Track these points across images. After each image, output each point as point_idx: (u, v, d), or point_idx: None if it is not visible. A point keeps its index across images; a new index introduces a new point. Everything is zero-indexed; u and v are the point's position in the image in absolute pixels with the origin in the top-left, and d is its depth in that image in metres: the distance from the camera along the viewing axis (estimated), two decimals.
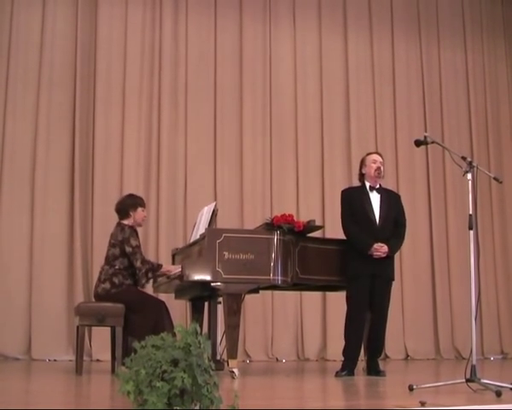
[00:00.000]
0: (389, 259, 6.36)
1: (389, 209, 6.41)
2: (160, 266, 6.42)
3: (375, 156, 6.54)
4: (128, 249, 6.22)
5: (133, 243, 6.24)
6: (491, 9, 11.22)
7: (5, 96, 8.93)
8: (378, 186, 6.47)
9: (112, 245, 6.33)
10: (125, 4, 9.49)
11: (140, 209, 6.47)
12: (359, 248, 6.29)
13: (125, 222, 6.39)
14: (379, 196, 6.43)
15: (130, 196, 6.64)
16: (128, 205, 6.44)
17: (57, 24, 9.24)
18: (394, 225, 6.43)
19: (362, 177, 6.54)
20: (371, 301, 6.31)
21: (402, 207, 6.59)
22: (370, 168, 6.44)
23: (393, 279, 6.53)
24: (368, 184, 6.47)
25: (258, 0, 10.05)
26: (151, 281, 6.72)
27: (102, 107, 9.20)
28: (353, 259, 6.33)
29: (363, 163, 6.56)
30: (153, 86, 9.47)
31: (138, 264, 6.19)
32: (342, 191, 6.70)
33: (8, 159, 8.83)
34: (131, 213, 6.41)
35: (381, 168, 6.44)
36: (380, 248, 6.23)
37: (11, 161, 8.84)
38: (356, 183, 6.83)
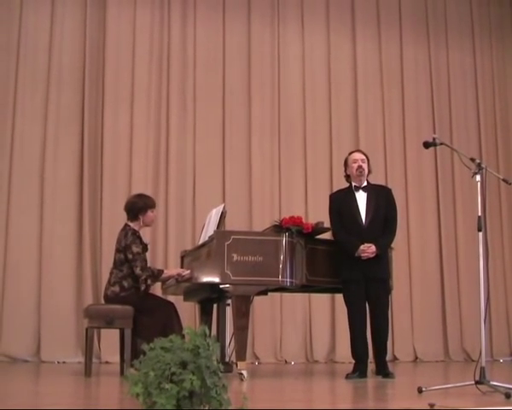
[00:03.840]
0: (381, 259, 6.28)
1: (377, 207, 6.33)
2: (160, 272, 6.37)
3: (356, 155, 6.48)
4: (129, 256, 6.19)
5: (134, 249, 6.21)
6: (499, 11, 11.19)
7: (14, 97, 8.98)
8: (365, 184, 6.42)
9: (117, 250, 6.31)
10: (134, 6, 9.52)
11: (149, 211, 6.43)
12: (347, 251, 6.26)
13: (132, 225, 6.36)
14: (365, 194, 6.37)
15: (141, 196, 6.56)
16: (138, 209, 6.38)
17: (66, 25, 9.29)
18: (385, 221, 6.37)
19: (348, 178, 6.51)
20: (368, 302, 6.30)
21: (392, 200, 6.51)
22: (352, 168, 6.42)
23: (388, 278, 6.46)
24: (353, 185, 6.44)
25: (267, 2, 10.06)
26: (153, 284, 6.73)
27: (111, 108, 9.24)
28: (345, 263, 6.30)
29: (346, 164, 6.52)
30: (161, 87, 9.49)
31: (138, 271, 6.16)
32: (330, 196, 6.70)
33: (18, 160, 8.87)
34: (140, 217, 6.39)
35: (363, 166, 6.38)
36: (367, 249, 6.18)
37: (20, 162, 8.88)
38: None
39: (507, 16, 11.24)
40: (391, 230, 6.41)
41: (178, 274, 6.35)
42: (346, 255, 6.26)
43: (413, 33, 10.67)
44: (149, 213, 6.43)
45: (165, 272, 6.47)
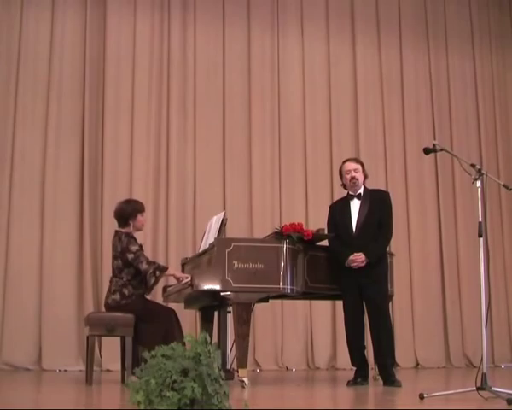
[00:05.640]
0: (374, 266, 6.21)
1: (369, 214, 6.25)
2: (165, 268, 6.35)
3: (349, 165, 6.40)
4: (130, 256, 6.16)
5: (133, 248, 6.18)
6: (499, 17, 11.22)
7: (15, 106, 8.99)
8: (360, 192, 6.36)
9: (114, 257, 6.27)
10: (134, 14, 9.54)
11: (139, 216, 6.41)
12: (339, 260, 6.25)
13: (123, 230, 6.35)
14: (359, 202, 6.33)
15: (129, 202, 6.54)
16: (127, 214, 6.35)
17: (66, 34, 9.30)
18: (378, 227, 6.28)
19: (344, 186, 6.47)
20: (366, 307, 6.27)
21: (387, 204, 6.40)
22: (346, 179, 6.38)
23: (384, 281, 6.40)
24: (349, 193, 6.41)
25: (267, 9, 10.08)
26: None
27: (111, 116, 9.24)
28: (341, 272, 6.27)
29: (340, 173, 6.49)
30: (161, 95, 9.51)
31: (144, 266, 6.12)
32: (329, 206, 6.68)
33: (18, 168, 8.88)
34: (131, 222, 6.37)
35: (356, 176, 6.32)
36: (356, 258, 6.14)
37: (21, 170, 8.89)
38: None
39: (506, 22, 11.26)
40: (383, 235, 6.31)
41: (180, 278, 6.32)
42: (340, 265, 6.26)
43: (413, 39, 10.69)
44: (139, 218, 6.40)
45: (169, 270, 6.44)
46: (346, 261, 6.16)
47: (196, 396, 2.59)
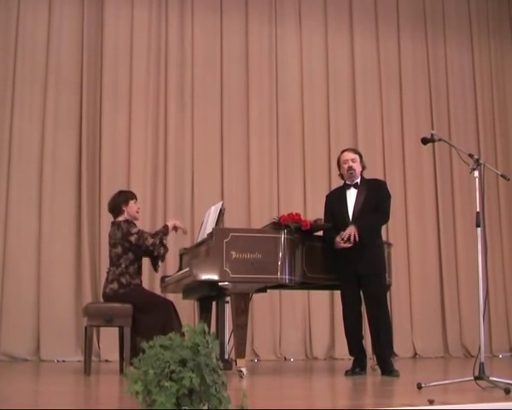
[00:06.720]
0: (370, 254, 6.18)
1: (366, 203, 6.24)
2: (166, 229, 6.50)
3: (346, 155, 6.41)
4: (133, 238, 6.22)
5: (134, 230, 6.26)
6: (497, 8, 11.21)
7: (12, 96, 8.97)
8: (357, 181, 6.35)
9: (112, 245, 6.32)
10: (131, 5, 9.51)
11: (132, 202, 6.44)
12: (331, 246, 6.24)
13: (121, 219, 6.39)
14: (356, 191, 6.33)
15: (120, 192, 6.62)
16: (119, 202, 6.42)
17: (63, 24, 9.28)
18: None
19: (342, 176, 6.47)
20: (364, 298, 6.26)
21: (384, 192, 6.39)
22: (343, 169, 6.38)
23: (382, 272, 6.35)
24: (346, 183, 6.41)
25: (264, 0, 10.05)
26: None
27: (109, 107, 9.23)
28: (338, 260, 6.27)
29: (338, 163, 6.49)
30: (159, 87, 9.49)
31: (150, 241, 6.24)
32: (326, 196, 6.69)
33: (16, 159, 8.87)
34: (124, 209, 6.40)
35: (353, 166, 6.32)
36: (343, 235, 6.08)
37: (19, 161, 8.88)
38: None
39: (505, 12, 11.25)
40: (377, 216, 6.27)
41: (180, 227, 6.60)
42: (338, 253, 6.22)
43: (411, 30, 10.68)
44: (132, 204, 6.45)
45: (168, 225, 6.59)
46: (335, 243, 6.15)
47: (194, 386, 2.59)
